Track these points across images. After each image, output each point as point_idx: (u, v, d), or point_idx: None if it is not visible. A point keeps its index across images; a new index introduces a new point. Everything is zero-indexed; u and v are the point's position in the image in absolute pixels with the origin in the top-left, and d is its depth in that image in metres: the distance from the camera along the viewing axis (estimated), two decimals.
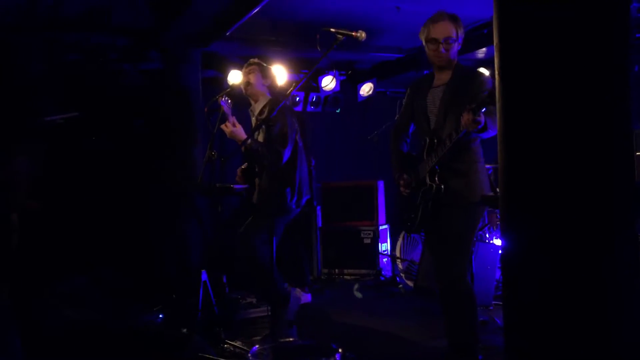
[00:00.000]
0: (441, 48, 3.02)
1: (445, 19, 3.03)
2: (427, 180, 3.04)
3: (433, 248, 3.22)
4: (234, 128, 3.75)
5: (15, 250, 4.20)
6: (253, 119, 4.07)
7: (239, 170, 4.10)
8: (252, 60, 4.14)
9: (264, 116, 3.87)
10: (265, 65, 4.14)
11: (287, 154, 3.83)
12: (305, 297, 5.24)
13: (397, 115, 3.48)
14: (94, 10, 4.67)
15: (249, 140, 3.67)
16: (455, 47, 3.06)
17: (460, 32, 3.06)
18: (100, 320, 3.60)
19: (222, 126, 3.79)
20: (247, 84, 4.01)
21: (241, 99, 4.30)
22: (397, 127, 3.40)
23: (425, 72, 6.46)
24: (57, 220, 5.26)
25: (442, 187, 2.99)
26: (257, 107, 4.01)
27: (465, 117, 2.77)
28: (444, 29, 3.01)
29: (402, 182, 3.24)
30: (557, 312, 1.77)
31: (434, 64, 3.14)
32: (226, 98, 3.88)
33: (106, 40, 5.35)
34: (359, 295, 5.33)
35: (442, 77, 3.13)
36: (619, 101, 1.76)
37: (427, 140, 3.08)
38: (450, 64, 3.10)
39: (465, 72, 3.08)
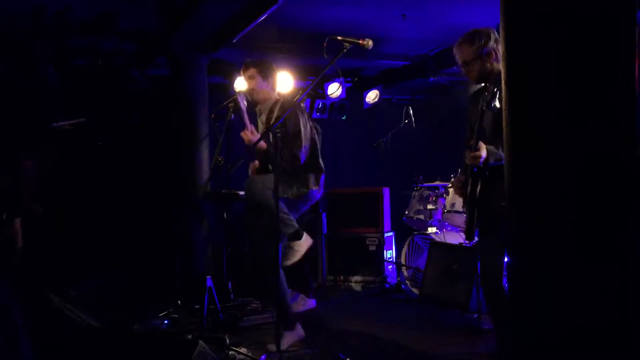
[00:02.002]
0: (464, 70, 3.12)
1: (463, 43, 3.08)
2: (469, 185, 3.03)
3: (484, 254, 3.18)
4: (252, 136, 3.72)
5: (19, 253, 4.23)
6: (262, 117, 3.99)
7: (252, 167, 4.02)
8: (247, 62, 3.97)
9: (274, 115, 3.85)
10: (261, 63, 3.95)
11: (304, 155, 3.78)
12: (310, 303, 5.24)
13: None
14: (103, 15, 4.70)
15: (269, 149, 3.67)
16: (480, 64, 3.06)
17: (477, 47, 3.04)
18: (106, 325, 3.61)
19: (242, 134, 3.75)
20: (252, 90, 3.92)
21: (249, 103, 4.28)
22: (466, 140, 3.34)
23: (431, 79, 6.51)
24: (65, 225, 5.29)
25: (477, 189, 2.97)
26: (265, 107, 3.96)
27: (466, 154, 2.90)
28: (461, 54, 3.10)
29: (454, 181, 3.29)
30: (565, 318, 1.77)
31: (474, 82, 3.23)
32: (243, 95, 3.80)
33: (114, 46, 5.39)
34: None
35: (491, 90, 3.14)
36: (624, 106, 1.76)
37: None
38: (490, 77, 3.08)
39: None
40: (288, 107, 3.69)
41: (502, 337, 3.11)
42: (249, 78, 3.91)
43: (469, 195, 3.01)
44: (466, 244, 5.06)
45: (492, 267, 3.06)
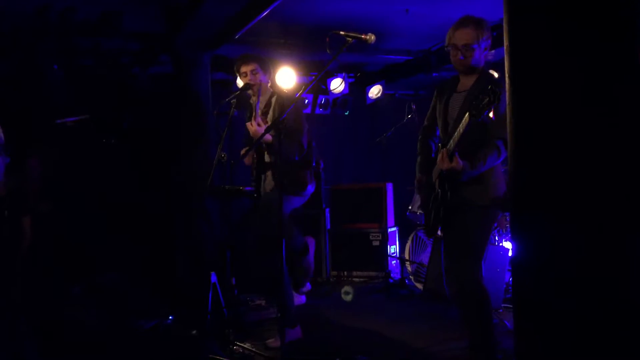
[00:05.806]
0: (459, 55, 2.98)
1: (468, 26, 2.97)
2: (437, 186, 3.00)
3: (445, 252, 3.18)
4: (258, 127, 3.70)
5: (26, 253, 4.24)
6: (254, 111, 3.96)
7: (249, 157, 3.98)
8: (247, 56, 3.98)
9: (271, 108, 3.87)
10: (262, 58, 3.98)
11: (305, 143, 3.83)
12: (299, 299, 5.19)
13: (426, 116, 3.41)
14: (107, 15, 4.70)
15: (274, 142, 3.64)
16: (477, 53, 2.96)
17: (484, 37, 2.97)
18: (111, 322, 3.62)
19: (248, 124, 3.75)
20: (254, 84, 3.91)
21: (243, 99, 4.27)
22: (424, 129, 3.34)
23: (434, 74, 6.48)
24: (70, 222, 5.30)
25: (449, 194, 2.94)
26: (262, 100, 3.96)
27: (441, 155, 2.86)
28: (464, 36, 2.96)
29: (416, 184, 3.21)
30: (569, 315, 1.77)
31: (456, 69, 3.10)
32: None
33: (118, 45, 5.39)
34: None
35: (466, 83, 3.05)
36: (628, 102, 1.76)
37: (440, 146, 3.04)
38: (474, 70, 3.02)
39: (488, 80, 2.94)
40: (287, 101, 3.70)
41: (478, 340, 3.05)
42: (252, 72, 3.91)
43: (440, 197, 2.95)
44: None
45: (462, 265, 2.98)
